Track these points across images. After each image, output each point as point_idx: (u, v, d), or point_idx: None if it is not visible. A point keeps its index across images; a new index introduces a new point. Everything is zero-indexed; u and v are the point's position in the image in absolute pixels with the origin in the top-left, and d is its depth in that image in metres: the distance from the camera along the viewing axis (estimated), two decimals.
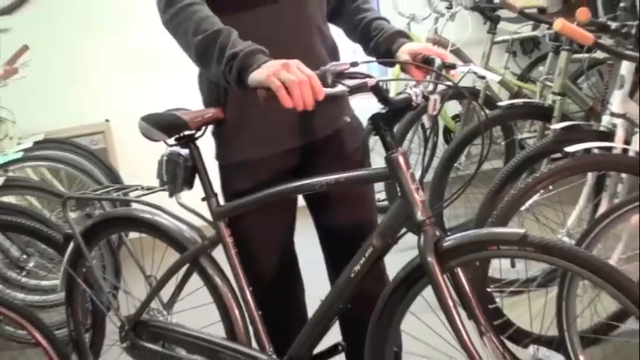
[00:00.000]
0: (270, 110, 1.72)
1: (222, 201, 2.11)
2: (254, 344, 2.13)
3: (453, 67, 1.95)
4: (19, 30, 4.48)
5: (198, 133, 2.06)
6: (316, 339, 2.00)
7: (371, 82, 1.69)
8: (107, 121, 4.61)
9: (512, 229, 1.76)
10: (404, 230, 1.84)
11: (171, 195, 2.12)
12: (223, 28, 1.76)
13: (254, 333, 2.12)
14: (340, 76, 1.69)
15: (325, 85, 1.66)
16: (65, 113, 4.53)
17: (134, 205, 2.42)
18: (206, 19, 1.78)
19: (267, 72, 1.63)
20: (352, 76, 1.71)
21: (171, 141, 2.06)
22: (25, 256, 3.25)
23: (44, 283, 3.54)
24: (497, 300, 2.61)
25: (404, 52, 2.01)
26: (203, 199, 2.09)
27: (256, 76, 1.66)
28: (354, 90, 1.69)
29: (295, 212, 2.17)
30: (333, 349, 2.08)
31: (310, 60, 1.79)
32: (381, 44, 2.05)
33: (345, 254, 1.93)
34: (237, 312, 2.14)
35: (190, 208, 2.10)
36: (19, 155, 3.62)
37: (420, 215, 1.76)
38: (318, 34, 2.04)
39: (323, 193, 1.99)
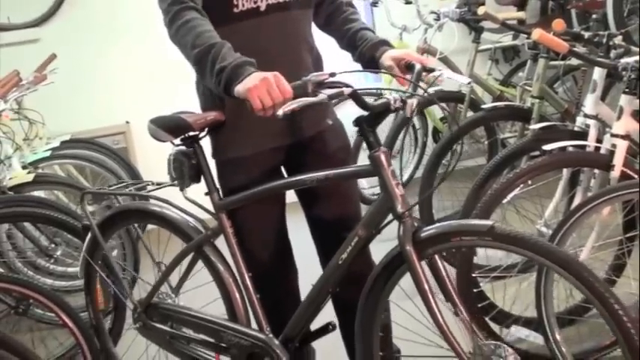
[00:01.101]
0: None
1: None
2: (254, 325, 2.13)
3: (432, 70, 1.99)
4: (48, 40, 4.47)
5: (202, 134, 2.08)
6: (308, 320, 2.02)
7: (347, 91, 1.73)
8: (127, 122, 4.60)
9: (483, 220, 1.81)
10: (388, 219, 1.86)
11: (181, 189, 2.14)
12: (217, 42, 1.79)
13: (253, 315, 2.13)
14: (320, 85, 1.72)
15: (306, 93, 1.69)
16: (89, 115, 4.52)
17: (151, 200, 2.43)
18: (203, 33, 1.81)
19: (249, 87, 1.68)
20: (332, 85, 1.74)
21: (177, 141, 2.08)
22: (53, 245, 3.23)
23: (70, 269, 3.53)
24: (481, 284, 2.59)
25: (387, 59, 2.04)
26: (206, 194, 2.11)
27: (240, 89, 1.71)
28: (333, 98, 1.72)
29: (284, 203, 2.19)
30: (324, 329, 2.10)
31: (297, 69, 1.91)
32: (366, 52, 2.08)
33: (333, 243, 1.95)
34: (237, 295, 2.15)
35: (195, 202, 2.13)
36: (48, 154, 3.62)
37: (399, 208, 1.79)
38: (305, 45, 2.06)
39: (313, 189, 2.04)
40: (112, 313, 2.73)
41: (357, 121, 1.81)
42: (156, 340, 2.37)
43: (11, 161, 3.37)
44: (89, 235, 2.44)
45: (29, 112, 3.81)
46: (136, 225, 3.17)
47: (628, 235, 2.48)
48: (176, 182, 2.14)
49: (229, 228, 2.10)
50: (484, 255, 2.83)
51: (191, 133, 2.06)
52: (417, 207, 3.56)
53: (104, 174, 3.78)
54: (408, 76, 1.99)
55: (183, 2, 1.84)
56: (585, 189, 2.59)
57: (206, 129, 2.06)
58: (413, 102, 1.83)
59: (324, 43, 2.19)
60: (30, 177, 3.13)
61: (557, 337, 2.27)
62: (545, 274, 2.25)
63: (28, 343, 2.76)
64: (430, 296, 1.74)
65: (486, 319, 2.53)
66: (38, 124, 3.79)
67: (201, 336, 2.22)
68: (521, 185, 2.57)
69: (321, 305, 1.98)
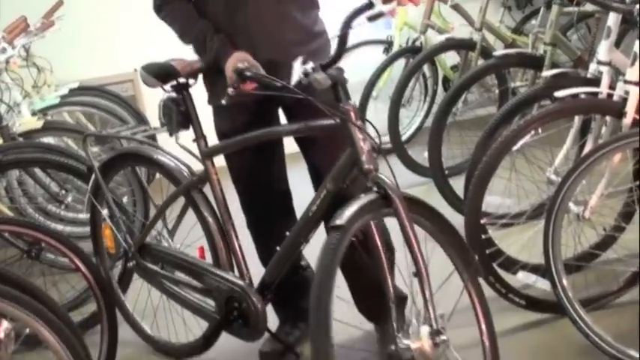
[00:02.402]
0: None
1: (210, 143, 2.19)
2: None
3: None
4: None
5: (191, 81, 2.11)
6: (283, 267, 2.05)
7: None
8: (135, 70, 4.56)
9: None
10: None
11: (170, 134, 2.21)
12: (199, 29, 2.05)
13: (235, 261, 2.17)
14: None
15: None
16: (98, 63, 4.48)
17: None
18: (187, 21, 2.09)
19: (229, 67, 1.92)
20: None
21: (167, 87, 2.10)
22: (63, 192, 3.26)
23: (81, 216, 3.56)
24: (489, 231, 2.60)
25: None
26: (194, 141, 2.14)
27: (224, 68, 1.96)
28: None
29: (281, 152, 2.27)
30: (296, 269, 2.18)
31: (276, 46, 2.06)
32: None
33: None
34: (220, 241, 2.19)
35: (186, 148, 2.18)
36: (57, 101, 3.62)
37: (365, 164, 1.79)
38: (288, 22, 2.09)
39: (311, 136, 2.09)
40: (123, 258, 2.76)
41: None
42: (149, 280, 2.45)
43: (20, 108, 3.38)
44: (93, 177, 2.50)
45: (37, 59, 3.80)
46: (142, 171, 3.20)
47: (638, 182, 2.47)
48: (165, 128, 2.19)
49: (214, 175, 2.15)
50: (493, 203, 2.84)
51: (181, 80, 2.08)
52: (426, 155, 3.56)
53: (113, 121, 3.78)
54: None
55: None
56: (596, 137, 2.57)
57: (197, 76, 2.13)
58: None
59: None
60: (39, 124, 3.14)
61: (564, 282, 2.28)
62: (554, 220, 2.25)
63: (41, 287, 2.79)
64: (383, 255, 1.77)
65: (494, 265, 2.55)
66: (46, 71, 3.78)
67: (188, 278, 2.27)
68: (532, 133, 2.55)
69: (294, 255, 2.02)
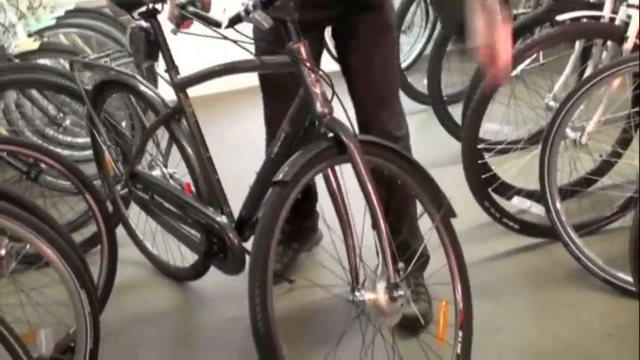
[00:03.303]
0: None
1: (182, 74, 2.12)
2: None
3: None
4: None
5: (159, 7, 2.06)
6: (255, 205, 2.01)
7: None
8: None
9: None
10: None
11: (137, 65, 2.16)
12: None
13: (216, 196, 2.14)
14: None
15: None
16: None
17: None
18: None
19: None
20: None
21: (136, 15, 2.05)
22: (61, 115, 3.25)
23: (79, 139, 3.57)
24: (486, 157, 2.62)
25: None
26: (165, 71, 2.10)
27: None
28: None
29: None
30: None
31: None
32: None
33: (365, 119, 2.01)
34: (201, 176, 2.16)
35: (162, 76, 2.14)
36: (53, 22, 3.56)
37: (319, 107, 1.70)
38: None
39: (347, 65, 2.03)
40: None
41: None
42: (142, 207, 2.47)
43: (16, 29, 3.34)
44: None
45: None
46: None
47: (636, 109, 2.47)
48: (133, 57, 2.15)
49: (188, 107, 2.11)
50: (491, 130, 2.85)
51: (151, 6, 2.03)
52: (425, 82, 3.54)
53: (110, 44, 3.73)
54: None
55: None
56: (597, 63, 2.56)
57: (164, 1, 2.04)
58: None
59: None
60: (35, 45, 3.10)
61: (558, 207, 2.31)
62: (550, 145, 2.26)
63: None
64: (342, 201, 1.68)
65: (489, 190, 2.57)
66: None
67: (173, 207, 2.28)
68: (532, 57, 2.54)
69: (264, 195, 1.92)
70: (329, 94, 1.72)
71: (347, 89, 2.08)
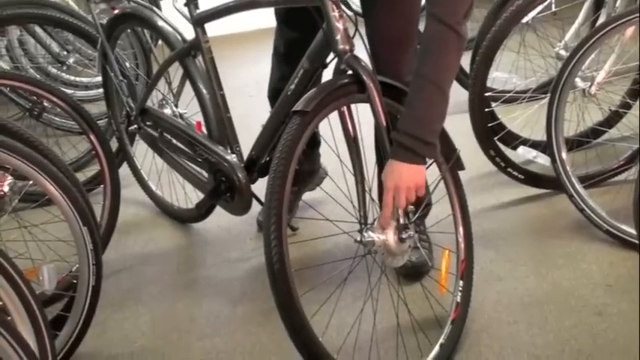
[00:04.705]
0: None
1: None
2: None
3: None
4: None
5: None
6: (267, 144, 2.01)
7: None
8: None
9: None
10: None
11: None
12: None
13: (223, 133, 2.13)
14: None
15: None
16: None
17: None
18: None
19: None
20: None
21: None
22: (65, 53, 3.22)
23: (82, 78, 3.54)
24: (492, 105, 2.59)
25: None
26: (185, 5, 2.07)
27: None
28: None
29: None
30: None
31: None
32: None
33: (383, 57, 1.93)
34: (212, 114, 2.15)
35: (180, 11, 2.10)
36: None
37: (340, 44, 1.68)
38: None
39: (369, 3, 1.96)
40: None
41: None
42: (151, 145, 2.46)
43: None
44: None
45: None
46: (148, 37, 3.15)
47: None
48: None
49: (205, 43, 2.08)
50: (500, 78, 2.82)
51: None
52: None
53: None
54: None
55: None
56: (610, 12, 2.51)
57: None
58: None
59: None
60: None
61: (564, 157, 2.29)
62: (559, 93, 2.23)
63: None
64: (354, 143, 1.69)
65: (495, 139, 2.55)
66: None
67: (181, 145, 2.27)
68: (544, 5, 2.49)
69: (277, 133, 1.94)
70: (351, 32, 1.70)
71: (365, 31, 2.04)
